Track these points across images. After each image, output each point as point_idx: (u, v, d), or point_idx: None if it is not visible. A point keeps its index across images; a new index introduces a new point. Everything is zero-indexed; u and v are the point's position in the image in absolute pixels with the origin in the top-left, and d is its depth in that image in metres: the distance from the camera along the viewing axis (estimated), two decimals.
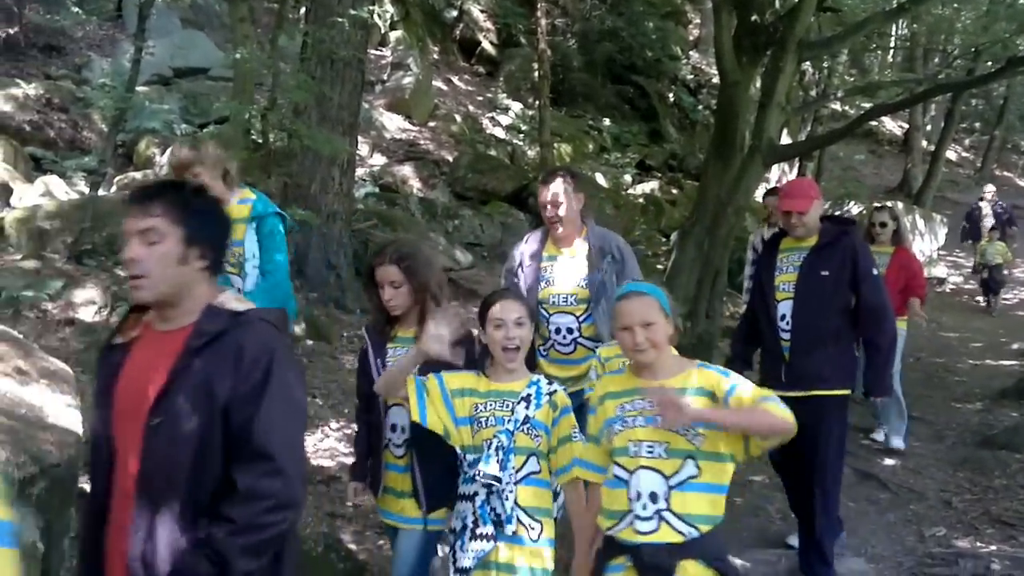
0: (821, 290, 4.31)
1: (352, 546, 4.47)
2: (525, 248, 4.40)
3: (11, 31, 12.01)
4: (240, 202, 4.29)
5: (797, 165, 15.72)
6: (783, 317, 4.39)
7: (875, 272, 4.35)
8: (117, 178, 9.74)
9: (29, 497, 3.38)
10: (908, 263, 6.85)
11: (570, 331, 4.21)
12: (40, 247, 7.68)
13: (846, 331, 4.40)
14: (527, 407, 3.11)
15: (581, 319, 4.21)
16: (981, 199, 15.78)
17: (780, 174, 18.54)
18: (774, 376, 4.38)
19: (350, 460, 5.77)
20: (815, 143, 13.56)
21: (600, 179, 14.10)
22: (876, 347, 4.39)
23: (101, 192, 8.37)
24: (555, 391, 3.19)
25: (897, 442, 6.97)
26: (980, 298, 14.86)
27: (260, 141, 7.64)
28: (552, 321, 4.24)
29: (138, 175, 9.96)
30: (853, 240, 4.39)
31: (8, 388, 3.83)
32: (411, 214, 10.83)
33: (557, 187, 4.18)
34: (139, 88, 9.50)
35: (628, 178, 15.02)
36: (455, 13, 17.40)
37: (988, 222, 15.00)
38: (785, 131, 13.45)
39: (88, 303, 7.00)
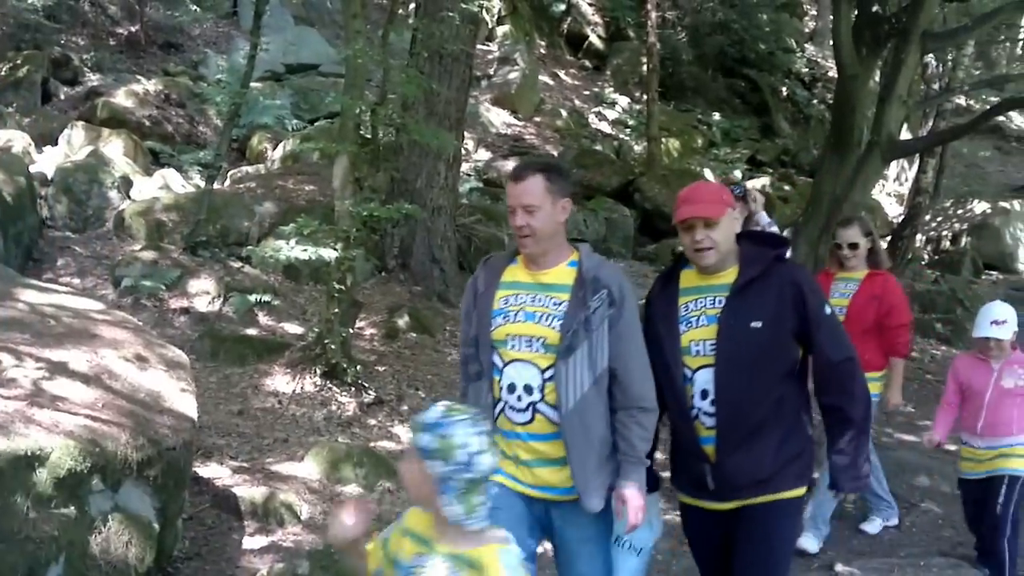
0: (755, 349, 2.87)
1: None
2: (483, 272, 3.08)
3: (132, 29, 12.52)
4: None
5: (918, 161, 15.09)
6: (704, 394, 2.92)
7: (828, 311, 2.94)
8: (231, 172, 10.02)
9: (146, 479, 3.47)
10: (884, 292, 4.89)
11: (528, 390, 2.82)
12: (158, 238, 7.95)
13: (793, 403, 2.97)
14: None
15: (547, 375, 2.81)
16: None
17: (899, 170, 17.88)
18: (694, 483, 3.01)
19: None
20: (937, 139, 12.98)
21: (709, 175, 13.84)
22: (844, 420, 2.97)
23: (216, 185, 8.62)
24: None
25: (810, 544, 4.95)
26: None
27: (369, 136, 7.72)
28: (506, 374, 2.86)
29: (251, 169, 10.23)
30: (791, 268, 3.00)
31: (128, 373, 3.94)
32: None
33: (532, 186, 2.83)
34: (252, 84, 9.76)
35: (738, 173, 14.69)
36: (563, 7, 17.33)
37: None
38: (906, 126, 12.91)
39: (202, 293, 7.20)
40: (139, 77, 11.43)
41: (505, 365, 2.87)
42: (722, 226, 2.88)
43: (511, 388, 2.85)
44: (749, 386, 2.88)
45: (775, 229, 4.43)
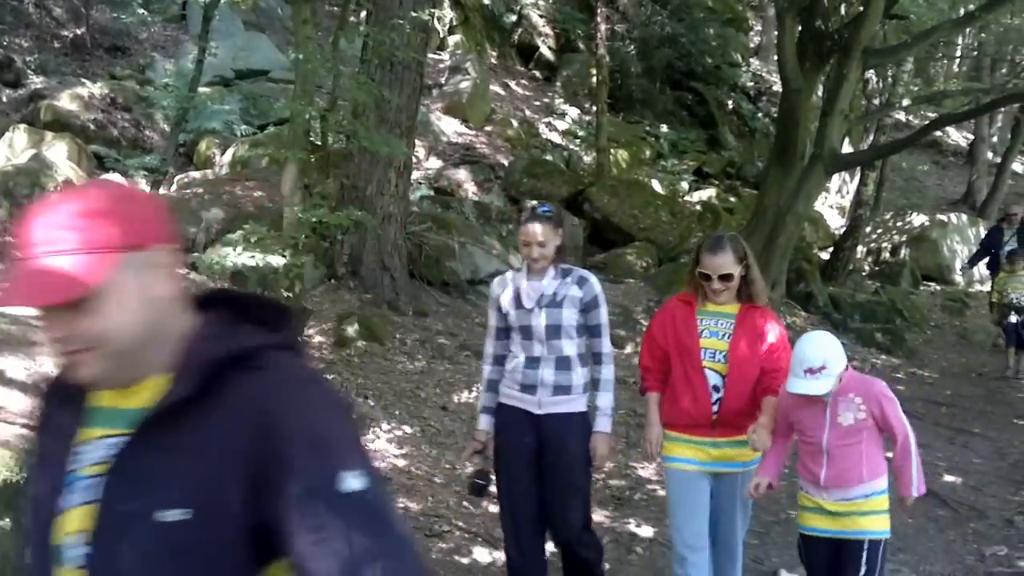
0: (163, 567, 1.19)
1: None
2: None
3: (78, 31, 12.30)
4: None
5: (859, 175, 15.45)
6: None
7: (354, 487, 1.17)
8: (178, 177, 9.90)
9: None
10: (767, 331, 3.75)
11: None
12: None
13: None
14: None
15: None
16: (1005, 219, 12.22)
17: (841, 183, 18.25)
18: None
19: (401, 462, 5.80)
20: (878, 152, 13.32)
21: (656, 186, 13.99)
22: None
23: (162, 191, 8.52)
24: None
25: None
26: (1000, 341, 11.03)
27: (319, 143, 7.70)
28: None
29: (198, 174, 10.11)
30: (274, 386, 1.24)
31: None
32: (465, 217, 10.84)
33: None
34: (201, 89, 9.66)
35: (685, 185, 14.88)
36: (514, 18, 17.42)
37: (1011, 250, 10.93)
38: (847, 140, 13.20)
39: None
40: (84, 80, 11.23)
41: None
42: (105, 303, 1.20)
43: None
44: None
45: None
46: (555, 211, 3.81)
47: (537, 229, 3.71)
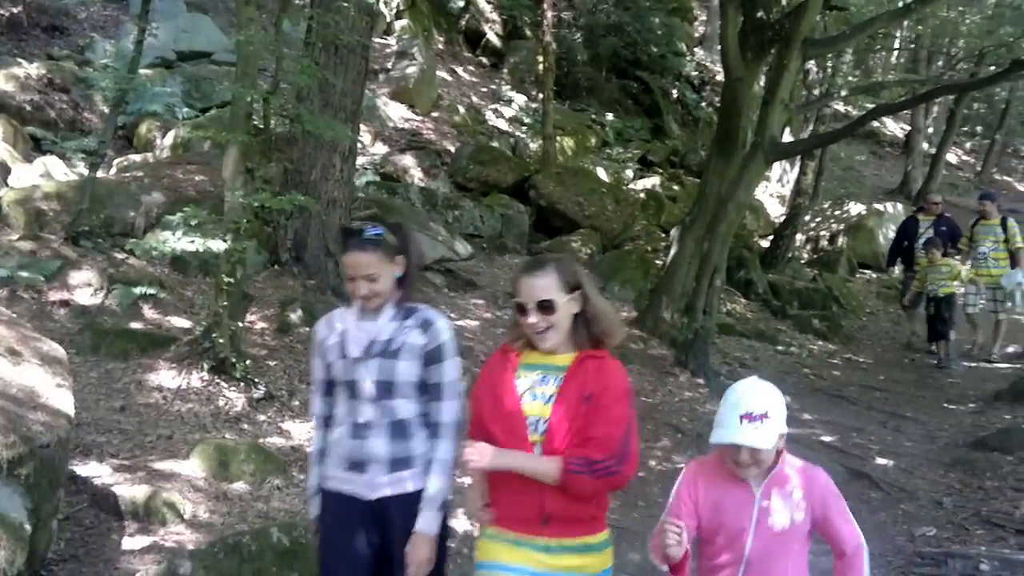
0: None
1: None
2: None
3: (15, 10, 11.98)
4: None
5: (799, 164, 15.71)
6: None
7: None
8: (117, 160, 9.74)
9: (17, 478, 3.38)
10: (599, 387, 2.62)
11: None
12: (37, 228, 7.67)
13: None
14: None
15: None
16: (922, 209, 11.67)
17: (781, 172, 18.55)
18: None
19: None
20: (817, 141, 13.55)
21: (601, 173, 14.09)
22: None
23: (100, 174, 8.36)
24: None
25: None
26: (933, 347, 10.60)
27: (261, 126, 7.60)
28: None
29: (138, 158, 9.95)
30: None
31: (0, 368, 3.82)
32: (411, 203, 10.82)
33: None
34: (142, 71, 9.49)
35: (629, 173, 15.00)
36: (461, 4, 17.36)
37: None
38: (787, 129, 13.42)
39: (84, 285, 6.99)
40: (20, 61, 10.95)
41: None
42: None
43: None
44: None
45: None
46: (389, 233, 2.89)
47: (362, 259, 2.82)
